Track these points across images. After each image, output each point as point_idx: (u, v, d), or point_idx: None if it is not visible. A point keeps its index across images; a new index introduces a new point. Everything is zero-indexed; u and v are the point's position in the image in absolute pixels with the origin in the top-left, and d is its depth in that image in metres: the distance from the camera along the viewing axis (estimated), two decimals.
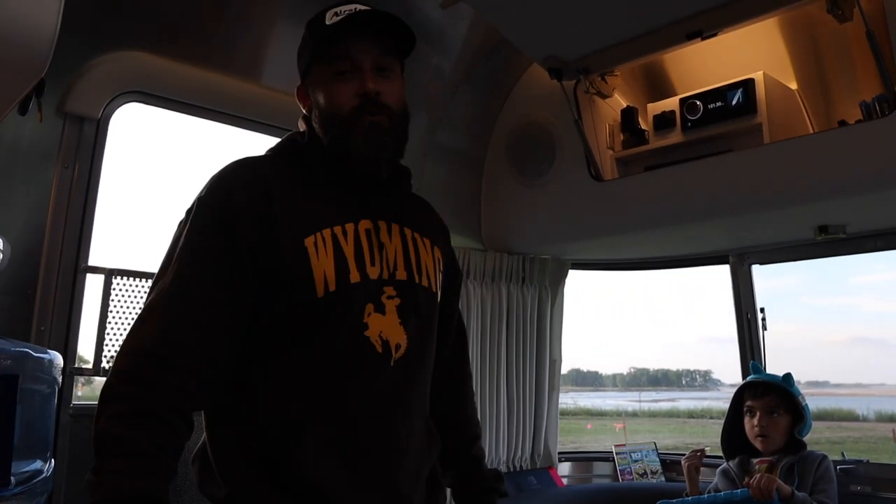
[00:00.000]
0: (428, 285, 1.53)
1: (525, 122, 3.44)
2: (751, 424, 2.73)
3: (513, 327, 3.57)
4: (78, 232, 2.41)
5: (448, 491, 1.72)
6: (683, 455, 2.99)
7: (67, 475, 2.25)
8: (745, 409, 2.76)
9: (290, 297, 1.37)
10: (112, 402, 1.23)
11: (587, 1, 2.59)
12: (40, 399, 1.79)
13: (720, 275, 3.65)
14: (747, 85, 2.77)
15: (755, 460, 2.70)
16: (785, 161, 2.60)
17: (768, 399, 2.69)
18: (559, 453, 3.78)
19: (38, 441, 1.78)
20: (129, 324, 2.47)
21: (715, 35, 2.63)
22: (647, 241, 3.41)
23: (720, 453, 2.89)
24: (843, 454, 3.10)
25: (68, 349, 2.36)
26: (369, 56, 1.46)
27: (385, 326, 1.43)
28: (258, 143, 2.92)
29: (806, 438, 2.70)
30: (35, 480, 1.70)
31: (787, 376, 2.73)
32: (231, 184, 1.42)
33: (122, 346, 1.30)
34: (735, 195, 2.75)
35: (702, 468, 2.89)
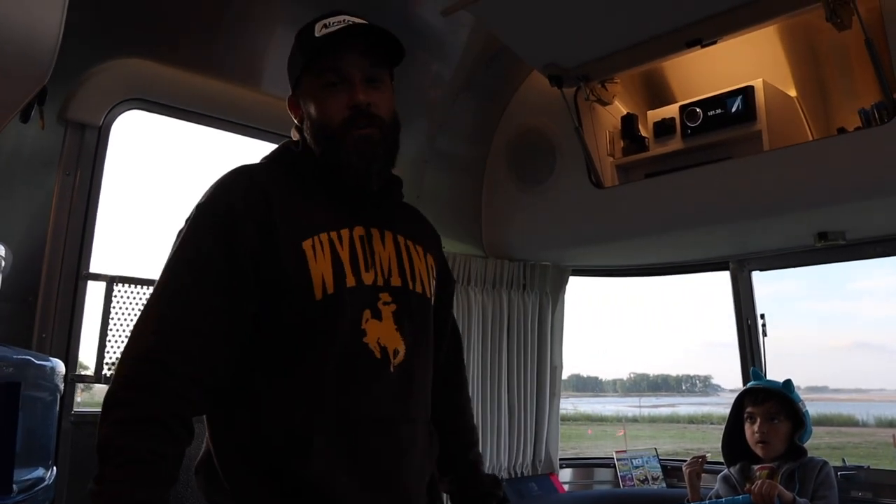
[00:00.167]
0: (422, 291, 1.55)
1: (525, 129, 3.45)
2: (751, 431, 2.73)
3: (514, 334, 3.58)
4: (79, 239, 2.41)
5: (446, 497, 1.73)
6: (684, 461, 2.99)
7: (69, 483, 2.25)
8: (745, 415, 2.76)
9: (289, 301, 1.38)
10: (114, 409, 1.24)
11: (587, 9, 2.60)
12: (42, 406, 1.79)
13: (720, 280, 3.67)
14: (747, 92, 2.78)
15: (756, 466, 2.70)
16: (784, 168, 2.61)
17: (768, 405, 2.69)
18: (560, 459, 3.78)
19: (40, 449, 1.78)
20: (130, 331, 2.46)
21: (715, 43, 2.65)
22: (647, 247, 3.42)
23: (721, 459, 2.89)
24: (843, 460, 3.10)
25: (69, 356, 2.36)
26: (359, 68, 1.47)
27: (382, 333, 1.44)
28: (258, 150, 2.92)
29: (806, 444, 2.70)
30: (37, 488, 1.70)
31: (787, 382, 2.74)
32: (230, 191, 1.43)
33: (124, 352, 1.31)
34: (735, 202, 2.75)
35: (703, 474, 2.89)
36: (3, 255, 1.66)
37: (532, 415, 3.62)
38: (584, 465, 3.98)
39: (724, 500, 2.58)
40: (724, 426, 2.91)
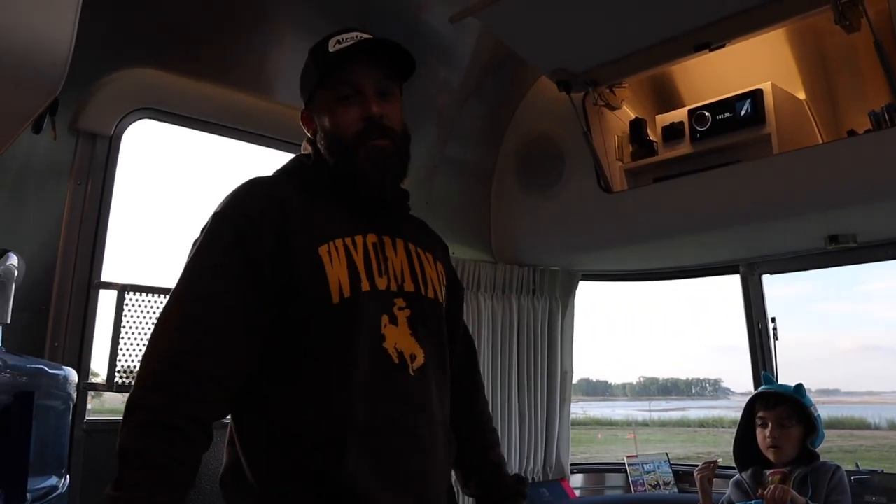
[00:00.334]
0: (434, 297, 1.58)
1: (534, 135, 3.45)
2: (763, 436, 2.71)
3: (524, 339, 3.57)
4: (91, 248, 2.43)
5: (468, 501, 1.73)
6: (696, 466, 2.97)
7: (82, 491, 2.26)
8: (756, 420, 2.75)
9: (306, 306, 1.40)
10: (135, 412, 1.25)
11: (595, 14, 2.60)
12: (55, 415, 1.80)
13: (728, 284, 3.66)
14: (756, 95, 2.78)
15: (768, 472, 2.68)
16: (794, 171, 2.60)
17: (780, 410, 2.68)
18: (571, 465, 3.77)
19: (54, 457, 1.79)
20: (142, 339, 2.48)
21: (723, 46, 2.64)
22: (657, 251, 3.42)
23: (733, 464, 2.88)
24: (857, 464, 3.09)
25: (82, 365, 2.37)
26: (372, 81, 1.51)
27: (399, 338, 1.47)
28: (269, 158, 2.94)
29: (818, 448, 2.69)
30: (51, 496, 1.71)
31: (799, 387, 2.72)
32: (246, 200, 1.47)
33: (145, 356, 1.33)
34: (745, 206, 2.75)
35: (714, 479, 2.88)
36: (16, 265, 1.67)
37: (542, 420, 3.61)
38: (595, 471, 3.97)
39: None
40: (734, 430, 2.89)
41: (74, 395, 1.96)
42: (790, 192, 2.62)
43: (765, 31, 2.61)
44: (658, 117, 3.11)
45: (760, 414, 2.73)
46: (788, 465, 2.64)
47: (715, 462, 2.88)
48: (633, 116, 3.26)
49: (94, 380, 2.45)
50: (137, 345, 2.48)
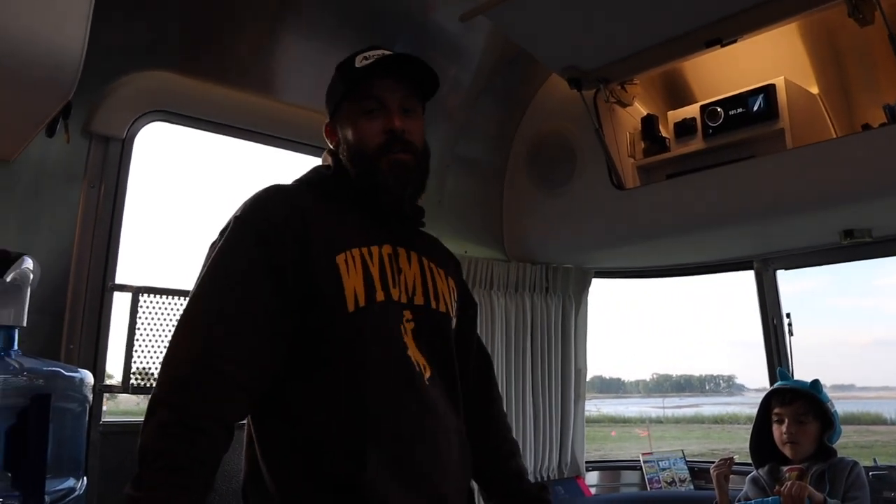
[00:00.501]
0: (445, 310, 1.61)
1: (545, 132, 3.45)
2: (779, 432, 2.70)
3: (537, 337, 3.57)
4: (105, 251, 2.44)
5: None
6: (712, 463, 2.96)
7: (99, 492, 2.27)
8: (773, 416, 2.73)
9: (324, 315, 1.42)
10: (157, 412, 1.27)
11: (605, 11, 2.59)
12: (72, 417, 1.80)
13: (742, 279, 3.64)
14: (768, 90, 2.76)
15: (785, 468, 2.66)
16: (808, 166, 2.58)
17: (796, 406, 2.66)
18: (586, 462, 3.77)
19: (71, 459, 1.80)
20: (156, 341, 2.50)
21: (735, 42, 2.63)
22: (670, 248, 3.40)
23: (749, 461, 2.86)
24: (874, 460, 3.06)
25: (97, 367, 2.38)
26: (396, 96, 1.56)
27: (411, 347, 1.50)
28: (281, 159, 2.95)
29: (835, 444, 2.67)
30: (69, 498, 1.72)
31: (815, 382, 2.70)
32: (268, 206, 1.49)
33: (167, 355, 1.34)
34: (758, 201, 2.73)
35: (731, 476, 2.86)
36: (31, 268, 1.68)
37: (557, 418, 3.60)
38: (610, 468, 3.96)
39: (753, 502, 2.56)
40: (749, 426, 2.88)
41: (90, 397, 1.97)
42: (804, 186, 2.60)
43: (777, 25, 2.59)
44: (670, 113, 3.10)
45: (777, 410, 2.72)
46: (805, 462, 2.63)
47: (731, 459, 2.87)
48: (644, 113, 3.24)
49: (109, 382, 2.46)
50: (152, 347, 2.49)
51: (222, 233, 1.47)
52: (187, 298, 1.42)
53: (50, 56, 1.53)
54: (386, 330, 1.46)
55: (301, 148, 2.91)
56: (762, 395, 2.87)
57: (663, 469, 3.75)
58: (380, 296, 1.47)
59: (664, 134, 3.15)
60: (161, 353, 2.48)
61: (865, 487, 2.56)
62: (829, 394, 2.73)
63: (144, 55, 2.47)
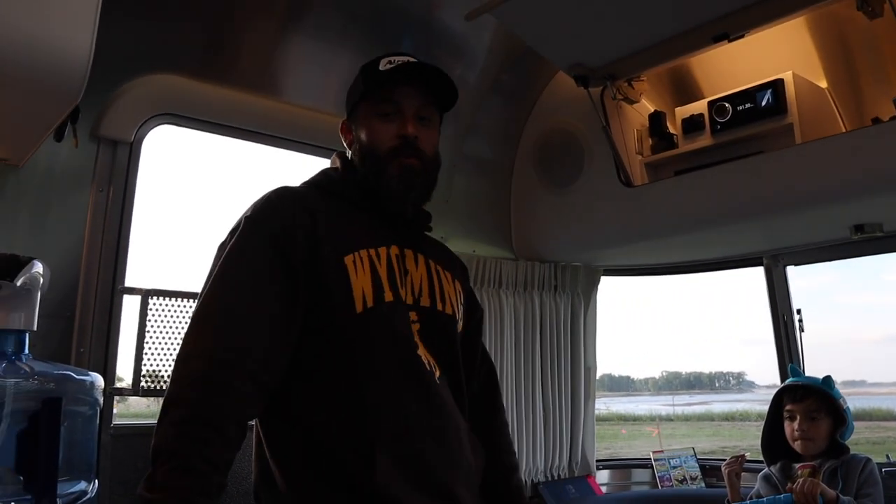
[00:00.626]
0: (452, 313, 1.62)
1: (552, 130, 3.44)
2: (791, 429, 2.68)
3: (546, 336, 3.56)
4: (114, 254, 2.44)
5: None
6: (723, 460, 2.95)
7: (110, 495, 2.27)
8: (784, 413, 2.72)
9: (331, 315, 1.44)
10: (171, 410, 1.27)
11: (612, 7, 2.58)
12: (83, 421, 1.81)
13: (751, 276, 3.62)
14: (776, 85, 2.74)
15: (797, 465, 2.65)
16: (818, 161, 2.57)
17: (808, 403, 2.65)
18: (597, 461, 3.76)
19: (82, 462, 1.80)
20: (166, 343, 2.50)
21: (742, 37, 2.61)
22: (679, 245, 3.39)
23: (761, 458, 2.85)
24: (887, 456, 3.04)
25: (107, 370, 2.39)
26: (414, 104, 1.59)
27: (421, 347, 1.51)
28: (288, 161, 2.95)
29: (847, 440, 2.66)
30: (80, 501, 1.72)
31: (827, 379, 2.69)
32: (280, 206, 1.51)
33: (181, 354, 1.35)
34: (768, 197, 2.72)
35: (743, 473, 2.85)
36: (41, 272, 1.68)
37: (567, 417, 3.60)
38: (621, 466, 3.95)
39: (765, 499, 2.54)
40: (760, 423, 2.87)
41: (101, 400, 1.97)
42: (814, 182, 2.59)
43: (785, 19, 2.57)
44: (678, 110, 3.08)
45: (788, 407, 2.70)
46: (818, 459, 2.61)
47: (743, 456, 2.86)
48: (652, 109, 3.23)
49: (119, 385, 2.47)
50: (162, 349, 2.50)
51: (232, 233, 1.48)
52: (198, 299, 1.42)
53: (57, 61, 1.54)
54: (396, 329, 1.47)
55: (308, 149, 2.91)
56: (772, 391, 2.85)
57: (674, 467, 3.74)
58: (388, 296, 1.48)
59: (672, 130, 3.14)
60: (171, 355, 2.49)
61: (879, 484, 2.55)
62: (841, 390, 2.71)
63: (151, 59, 2.48)
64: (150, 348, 2.48)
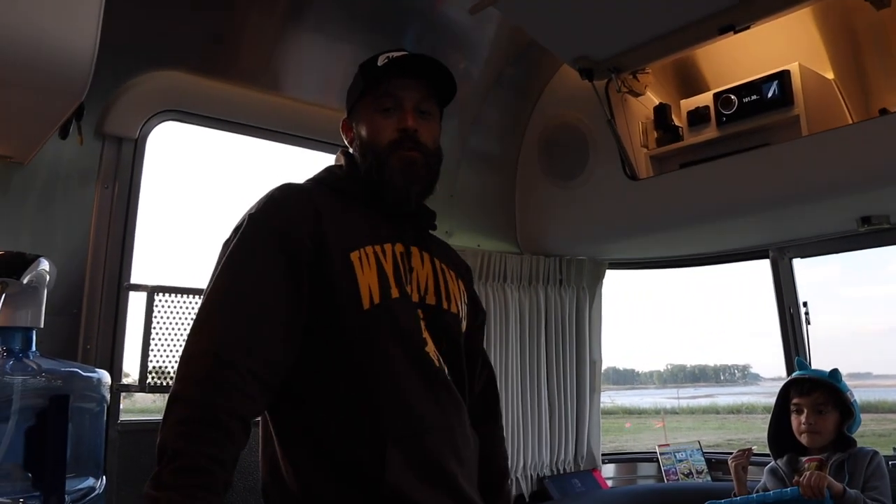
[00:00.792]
0: (457, 312, 1.62)
1: (557, 124, 3.43)
2: (798, 422, 2.68)
3: (552, 329, 3.56)
4: (120, 251, 2.44)
5: None
6: (729, 454, 2.95)
7: (118, 491, 2.28)
8: (791, 406, 2.72)
9: (338, 312, 1.43)
10: (176, 408, 1.27)
11: (616, 0, 2.57)
12: (90, 417, 1.81)
13: (756, 268, 3.62)
14: (783, 77, 2.73)
15: (804, 458, 2.65)
16: (824, 153, 2.55)
17: (815, 396, 2.65)
18: (602, 455, 3.76)
19: (90, 459, 1.80)
20: (172, 339, 2.50)
21: (748, 28, 2.59)
22: (684, 238, 3.38)
23: (767, 451, 2.85)
24: (894, 448, 3.04)
25: (114, 366, 2.39)
26: (413, 97, 1.58)
27: (429, 344, 1.51)
28: (293, 157, 2.95)
29: (854, 433, 2.65)
30: (88, 498, 1.72)
31: (835, 372, 2.68)
32: (283, 203, 1.50)
33: (186, 351, 1.34)
34: (774, 189, 2.71)
35: (749, 467, 2.85)
36: (48, 270, 1.68)
37: (573, 410, 3.60)
38: (626, 460, 3.95)
39: (772, 492, 2.54)
40: (765, 416, 2.86)
41: (108, 396, 1.97)
42: (821, 173, 2.57)
43: (791, 10, 2.55)
44: (683, 102, 3.07)
45: (795, 400, 2.70)
46: (825, 452, 2.61)
47: (750, 450, 2.86)
48: (657, 102, 3.21)
49: (126, 381, 2.47)
50: (168, 345, 2.50)
51: (236, 230, 1.47)
52: (203, 296, 1.42)
53: (62, 58, 1.54)
54: (405, 326, 1.47)
55: (313, 145, 2.91)
56: (778, 384, 2.85)
57: (680, 460, 3.74)
58: (394, 293, 1.47)
59: (677, 123, 3.12)
60: (177, 351, 2.50)
61: (886, 477, 2.54)
62: (847, 382, 2.70)
63: (155, 55, 2.48)
64: (156, 345, 2.49)
